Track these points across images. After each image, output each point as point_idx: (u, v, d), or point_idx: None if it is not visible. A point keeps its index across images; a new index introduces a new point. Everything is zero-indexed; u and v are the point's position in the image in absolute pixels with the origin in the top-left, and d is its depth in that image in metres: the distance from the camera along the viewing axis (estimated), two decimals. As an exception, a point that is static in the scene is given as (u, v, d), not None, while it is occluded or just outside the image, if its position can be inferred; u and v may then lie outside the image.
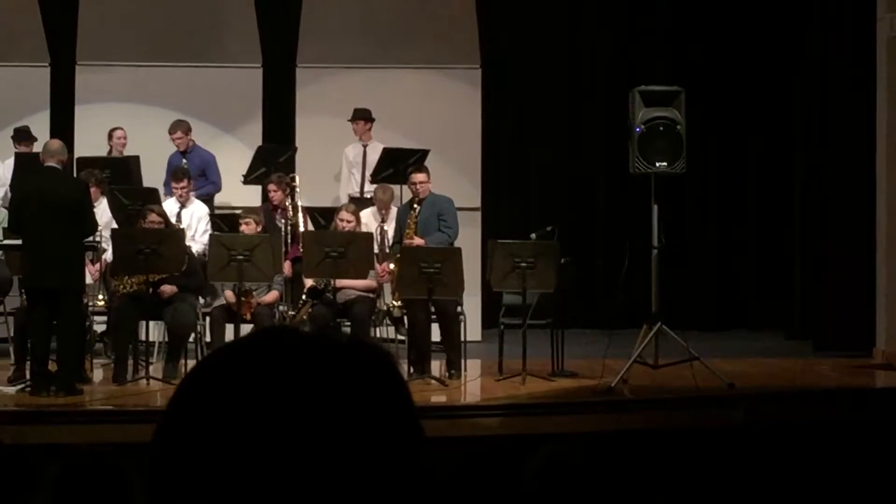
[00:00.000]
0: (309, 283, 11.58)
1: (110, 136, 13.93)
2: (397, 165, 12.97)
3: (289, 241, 12.40)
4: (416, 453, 1.38)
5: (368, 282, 11.47)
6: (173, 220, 12.14)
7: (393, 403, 1.37)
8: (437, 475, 1.42)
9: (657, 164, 10.87)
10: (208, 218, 12.72)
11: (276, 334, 1.40)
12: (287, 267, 12.10)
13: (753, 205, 15.43)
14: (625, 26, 15.48)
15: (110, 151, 13.89)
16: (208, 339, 11.57)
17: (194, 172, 13.23)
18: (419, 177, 11.77)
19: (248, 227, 11.55)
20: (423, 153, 12.97)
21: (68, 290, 10.10)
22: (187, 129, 13.67)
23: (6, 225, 10.84)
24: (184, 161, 13.52)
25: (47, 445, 7.98)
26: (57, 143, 10.64)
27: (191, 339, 11.35)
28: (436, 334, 11.44)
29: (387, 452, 1.34)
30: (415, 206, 11.75)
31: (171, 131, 13.62)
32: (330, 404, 1.33)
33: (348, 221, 11.57)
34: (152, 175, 13.68)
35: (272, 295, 11.67)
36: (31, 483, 3.91)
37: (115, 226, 11.98)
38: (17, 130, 13.64)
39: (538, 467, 3.31)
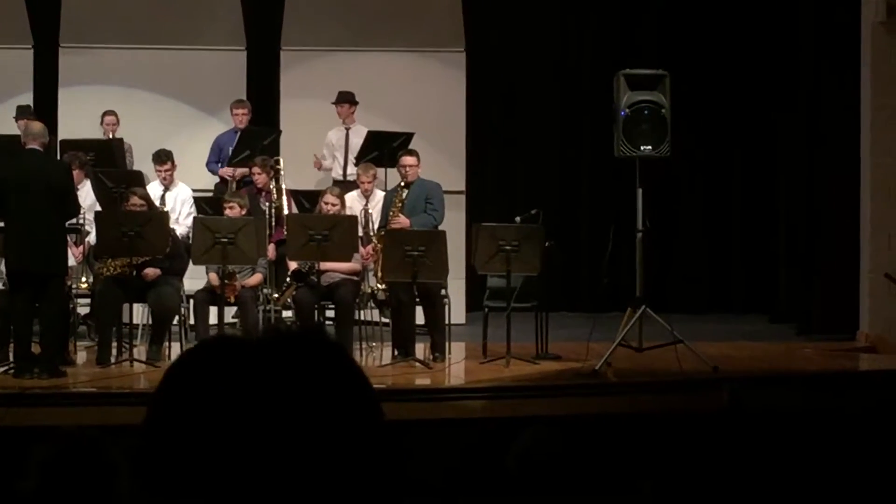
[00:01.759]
0: (293, 265, 11.57)
1: (102, 120, 13.89)
2: (382, 148, 12.96)
3: (273, 223, 12.39)
4: (378, 435, 1.43)
5: (353, 265, 11.46)
6: (157, 202, 12.12)
7: (351, 390, 1.43)
8: (419, 458, 1.47)
9: (642, 148, 10.88)
10: (192, 201, 12.70)
11: (232, 339, 1.48)
12: (271, 250, 12.08)
13: (738, 188, 15.44)
14: (610, 9, 15.46)
15: (105, 134, 13.85)
16: (192, 321, 11.55)
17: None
18: (409, 160, 11.75)
19: (233, 211, 11.53)
20: (408, 136, 12.96)
21: (52, 273, 10.08)
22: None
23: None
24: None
25: (31, 428, 7.97)
26: (39, 126, 10.59)
27: (174, 322, 11.35)
28: (420, 317, 11.44)
29: (350, 435, 1.40)
30: (402, 185, 11.72)
31: (239, 107, 13.73)
32: (294, 396, 1.38)
33: (333, 205, 11.55)
34: (137, 156, 13.66)
35: (256, 278, 11.66)
36: (16, 465, 3.90)
37: (98, 208, 11.94)
38: (19, 108, 13.56)
39: (521, 451, 3.31)
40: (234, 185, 13.34)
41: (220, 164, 13.68)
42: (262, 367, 1.39)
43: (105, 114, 13.86)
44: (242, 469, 1.35)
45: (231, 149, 13.49)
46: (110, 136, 13.75)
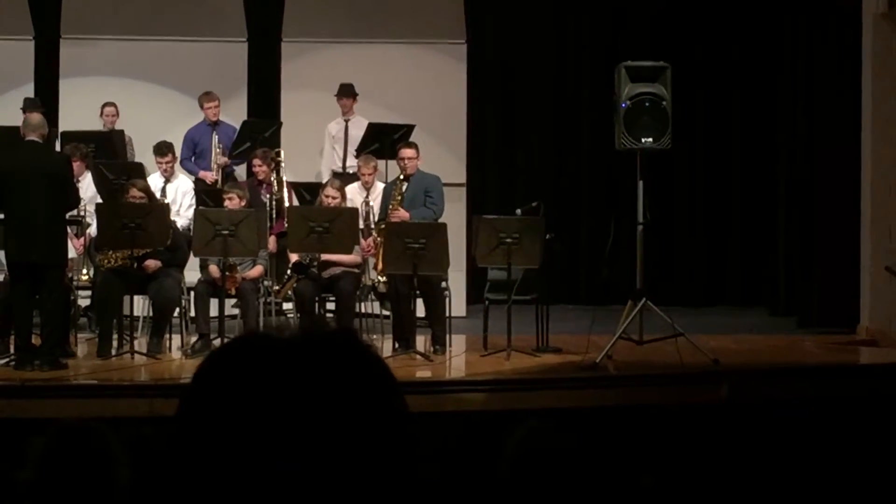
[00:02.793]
0: (294, 257, 11.57)
1: (101, 111, 13.88)
2: (382, 140, 12.96)
3: (273, 216, 12.38)
4: (406, 435, 1.44)
5: (353, 257, 11.46)
6: (158, 194, 12.12)
7: (382, 391, 1.44)
8: (421, 451, 1.48)
9: (643, 140, 10.86)
10: (193, 192, 12.69)
11: (266, 334, 1.46)
12: (272, 242, 12.08)
13: (739, 181, 15.43)
14: (611, 1, 15.44)
15: (105, 125, 13.84)
16: (192, 313, 11.55)
17: (226, 144, 13.32)
18: (408, 152, 11.75)
19: (233, 203, 11.52)
20: (409, 128, 12.96)
21: (52, 264, 10.08)
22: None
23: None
24: (214, 134, 13.52)
25: (32, 420, 7.98)
26: (37, 117, 10.58)
27: (175, 314, 11.35)
28: (421, 310, 11.44)
29: (378, 439, 1.40)
30: (401, 178, 11.72)
31: (209, 100, 13.65)
32: (325, 398, 1.39)
33: (333, 198, 11.55)
34: (137, 148, 13.66)
35: (257, 270, 11.65)
36: (16, 456, 3.90)
37: (99, 200, 11.94)
38: (27, 100, 13.54)
39: (520, 445, 3.31)
40: (222, 177, 13.33)
41: (193, 159, 13.63)
42: (295, 367, 1.40)
43: (105, 105, 13.85)
44: (270, 466, 1.36)
45: (213, 142, 13.46)
46: (110, 128, 13.75)
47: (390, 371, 1.46)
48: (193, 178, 13.45)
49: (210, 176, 13.40)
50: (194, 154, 13.64)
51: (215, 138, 13.55)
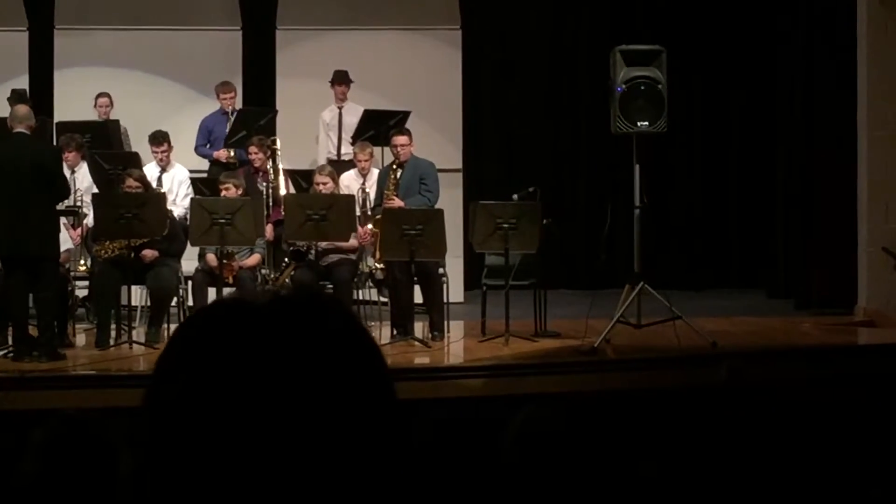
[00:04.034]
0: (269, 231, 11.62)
1: (95, 102, 13.86)
2: (378, 127, 12.94)
3: (270, 204, 12.38)
4: (388, 406, 1.39)
5: (351, 242, 11.47)
6: (154, 184, 12.11)
7: (361, 358, 1.39)
8: (419, 436, 1.45)
9: (639, 124, 10.86)
10: (189, 182, 12.68)
11: (224, 305, 1.41)
12: (269, 230, 12.08)
13: (736, 164, 15.43)
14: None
15: (99, 116, 13.82)
16: (190, 302, 11.55)
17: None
18: (401, 139, 11.74)
19: (229, 192, 11.52)
20: (405, 115, 12.95)
21: (45, 257, 10.05)
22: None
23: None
24: (228, 124, 13.52)
25: (31, 411, 7.98)
26: (25, 109, 10.55)
27: (173, 304, 11.35)
28: (418, 296, 11.45)
29: (360, 405, 1.36)
30: (395, 168, 11.72)
31: (226, 90, 13.64)
32: (302, 364, 1.34)
33: (324, 183, 11.56)
34: (132, 138, 13.64)
35: (254, 258, 11.65)
36: (15, 448, 3.90)
37: (96, 190, 11.93)
38: (13, 91, 13.50)
39: (519, 430, 3.30)
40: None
41: (208, 146, 13.63)
42: (270, 333, 1.35)
43: (98, 95, 13.83)
44: (246, 440, 1.31)
45: (225, 131, 13.46)
46: (105, 118, 13.73)
47: (370, 337, 1.42)
48: (209, 161, 13.47)
49: (223, 153, 13.37)
50: (209, 142, 13.65)
51: (229, 127, 13.55)
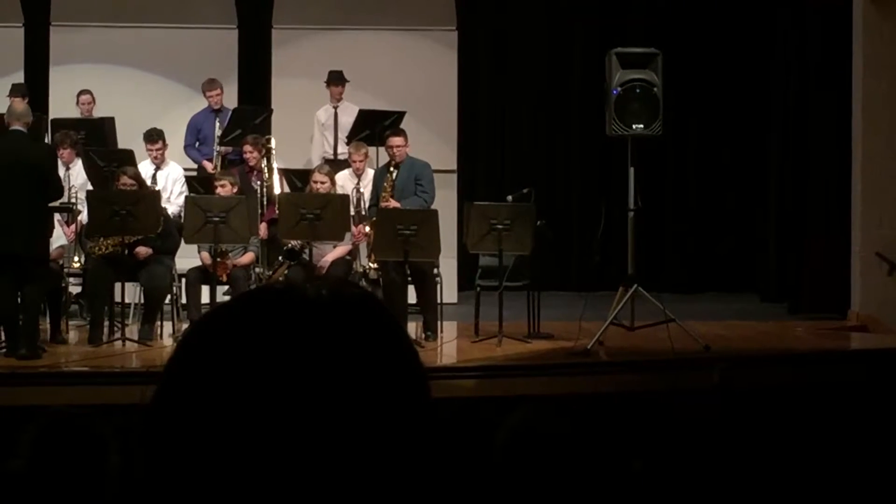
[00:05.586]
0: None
1: (77, 100, 13.84)
2: (373, 127, 12.95)
3: (264, 202, 12.38)
4: (425, 411, 1.37)
5: (343, 248, 11.49)
6: (148, 182, 12.11)
7: (403, 361, 1.37)
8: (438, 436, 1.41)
9: (634, 127, 10.87)
10: (184, 179, 12.68)
11: (275, 292, 1.38)
12: (263, 229, 12.08)
13: (729, 167, 15.44)
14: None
15: (82, 113, 13.80)
16: (184, 300, 11.55)
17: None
18: (396, 140, 11.74)
19: (224, 190, 11.52)
20: (399, 115, 12.95)
21: (34, 256, 9.98)
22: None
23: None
24: (217, 121, 13.50)
25: (22, 407, 7.96)
26: (21, 106, 10.53)
27: (166, 301, 11.34)
28: (412, 296, 11.45)
29: (398, 407, 1.34)
30: (392, 169, 11.73)
31: (212, 88, 13.61)
32: (332, 362, 1.31)
33: (322, 182, 11.56)
34: (126, 136, 13.63)
35: (248, 256, 11.65)
36: (7, 444, 3.90)
37: (90, 187, 11.92)
38: (14, 86, 13.47)
39: (511, 431, 3.31)
40: (221, 165, 13.32)
41: (197, 144, 13.62)
42: (325, 325, 1.32)
43: (81, 93, 13.79)
44: (271, 432, 1.27)
45: (215, 129, 13.45)
46: (87, 116, 13.67)
47: (412, 344, 1.39)
48: (196, 166, 13.46)
49: (210, 166, 13.38)
50: (198, 140, 13.64)
51: (217, 125, 13.54)
